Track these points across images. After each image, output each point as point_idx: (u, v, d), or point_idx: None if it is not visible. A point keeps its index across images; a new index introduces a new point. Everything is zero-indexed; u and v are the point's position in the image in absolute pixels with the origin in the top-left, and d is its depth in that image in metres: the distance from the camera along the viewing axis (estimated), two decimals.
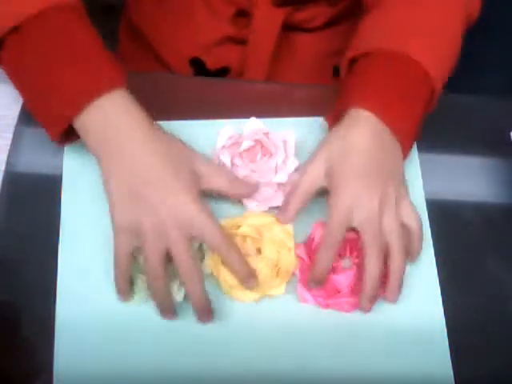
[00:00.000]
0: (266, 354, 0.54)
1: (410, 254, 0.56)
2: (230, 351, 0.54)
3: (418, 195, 0.61)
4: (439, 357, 0.55)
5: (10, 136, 0.62)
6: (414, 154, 0.63)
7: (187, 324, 0.54)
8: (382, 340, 0.55)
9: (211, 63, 0.78)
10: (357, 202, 0.53)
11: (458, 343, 0.56)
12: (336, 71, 0.80)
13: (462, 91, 0.66)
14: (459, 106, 0.67)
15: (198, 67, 0.79)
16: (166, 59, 0.80)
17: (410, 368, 0.55)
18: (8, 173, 0.60)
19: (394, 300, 0.55)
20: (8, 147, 0.61)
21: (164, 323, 0.54)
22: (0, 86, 0.62)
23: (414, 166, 0.62)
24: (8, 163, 0.61)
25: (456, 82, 0.64)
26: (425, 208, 0.61)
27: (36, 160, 0.61)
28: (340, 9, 0.77)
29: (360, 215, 0.53)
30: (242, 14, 0.74)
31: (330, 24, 0.78)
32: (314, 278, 0.54)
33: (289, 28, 0.75)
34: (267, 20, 0.73)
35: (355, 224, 0.53)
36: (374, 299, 0.54)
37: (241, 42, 0.76)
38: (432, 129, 0.62)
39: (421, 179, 0.62)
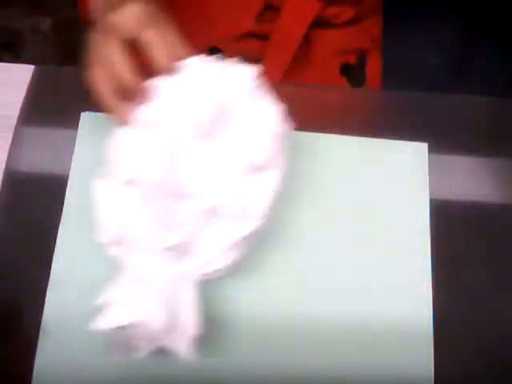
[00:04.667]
0: (252, 352, 0.54)
1: None
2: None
3: (423, 196, 0.61)
4: (422, 357, 0.55)
5: (10, 136, 0.62)
6: (424, 155, 0.63)
7: None
8: (368, 337, 0.56)
9: (230, 54, 0.77)
10: None
11: (448, 344, 0.56)
12: (344, 69, 0.80)
13: (462, 92, 0.66)
14: (459, 106, 0.67)
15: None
16: None
17: (391, 366, 0.55)
18: (8, 173, 0.60)
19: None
20: (8, 147, 0.61)
21: None
22: (0, 86, 0.62)
23: (423, 167, 0.62)
24: (8, 163, 0.60)
25: (456, 83, 0.64)
26: (428, 209, 0.60)
27: (36, 160, 0.61)
28: (362, 8, 0.77)
29: None
30: (270, 8, 0.73)
31: (350, 22, 0.78)
32: None
33: (314, 24, 0.74)
34: (297, 15, 0.71)
35: None
36: None
37: (263, 37, 0.74)
38: (433, 129, 0.62)
39: (428, 181, 0.62)
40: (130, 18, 0.50)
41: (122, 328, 0.47)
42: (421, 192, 0.61)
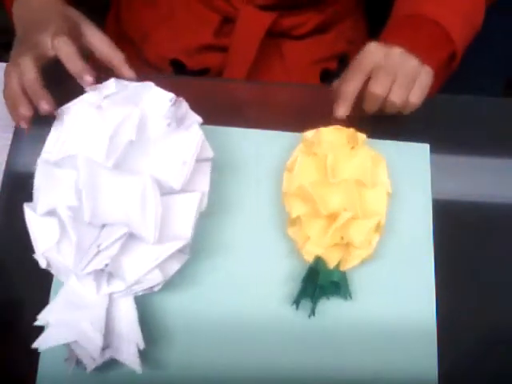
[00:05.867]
0: (260, 353, 0.55)
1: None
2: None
3: (425, 196, 0.61)
4: (426, 356, 0.55)
5: (10, 136, 0.61)
6: (426, 156, 0.63)
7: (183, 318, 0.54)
8: (372, 336, 0.56)
9: (191, 65, 0.78)
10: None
11: (451, 343, 0.56)
12: (324, 75, 0.80)
13: (462, 92, 0.66)
14: (460, 107, 0.67)
15: (178, 67, 0.78)
16: (146, 57, 0.79)
17: (395, 366, 0.55)
18: (8, 173, 0.60)
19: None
20: (8, 147, 0.61)
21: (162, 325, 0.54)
22: (0, 86, 0.62)
23: (425, 168, 0.63)
24: (8, 163, 0.60)
25: (455, 84, 0.64)
26: (430, 209, 0.61)
27: (36, 160, 0.61)
28: (327, 16, 0.77)
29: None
30: (228, 21, 0.74)
31: (317, 31, 0.78)
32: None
33: (276, 35, 0.75)
34: (250, 25, 0.73)
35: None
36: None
37: (223, 49, 0.76)
38: (434, 130, 0.62)
39: (430, 181, 0.62)
40: (50, 36, 0.55)
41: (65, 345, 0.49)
42: (423, 192, 0.61)
